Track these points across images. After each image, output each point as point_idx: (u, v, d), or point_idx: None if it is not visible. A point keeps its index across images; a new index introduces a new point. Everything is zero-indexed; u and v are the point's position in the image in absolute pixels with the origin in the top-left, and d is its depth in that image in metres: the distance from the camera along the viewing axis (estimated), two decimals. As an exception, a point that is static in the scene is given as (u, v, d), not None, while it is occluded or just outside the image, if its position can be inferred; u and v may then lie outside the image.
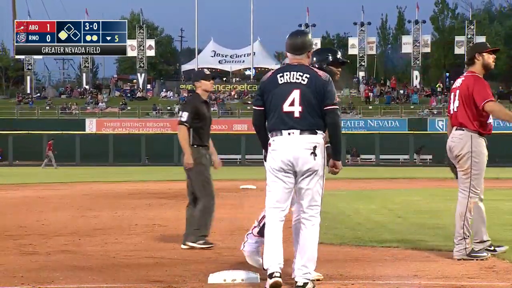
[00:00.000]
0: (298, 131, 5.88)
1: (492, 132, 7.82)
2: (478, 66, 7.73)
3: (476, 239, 7.70)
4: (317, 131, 5.90)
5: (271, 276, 5.82)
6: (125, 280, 6.50)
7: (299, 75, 5.95)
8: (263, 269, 6.07)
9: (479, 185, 7.62)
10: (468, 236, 7.60)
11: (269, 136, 6.04)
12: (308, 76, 5.93)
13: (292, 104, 5.91)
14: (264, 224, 6.28)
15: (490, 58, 7.73)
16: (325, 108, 5.89)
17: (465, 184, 7.64)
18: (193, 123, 8.59)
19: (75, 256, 7.98)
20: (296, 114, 5.90)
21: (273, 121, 5.97)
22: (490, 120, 7.73)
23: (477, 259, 7.48)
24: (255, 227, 6.67)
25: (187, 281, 6.42)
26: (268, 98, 6.01)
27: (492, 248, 7.71)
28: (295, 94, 5.91)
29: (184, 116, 8.56)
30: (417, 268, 6.99)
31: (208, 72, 8.91)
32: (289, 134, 5.90)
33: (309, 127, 5.88)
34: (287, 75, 5.98)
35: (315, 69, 6.02)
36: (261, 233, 6.47)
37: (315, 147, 5.87)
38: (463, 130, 7.64)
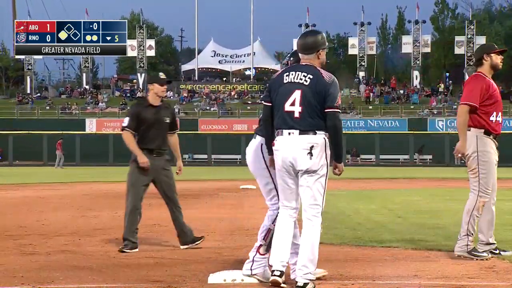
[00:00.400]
0: (298, 131, 5.93)
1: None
2: (486, 67, 7.79)
3: (483, 241, 7.71)
4: (317, 131, 5.92)
5: (272, 273, 6.00)
6: (125, 280, 6.50)
7: (303, 75, 5.98)
8: (269, 266, 6.18)
9: (488, 184, 7.64)
10: (472, 234, 7.61)
11: (275, 135, 6.11)
12: (311, 77, 5.96)
13: (293, 104, 5.96)
14: (271, 241, 6.29)
15: (498, 59, 7.80)
16: (325, 110, 5.91)
17: (474, 184, 7.68)
18: (137, 127, 8.61)
19: (75, 256, 7.99)
20: (296, 114, 5.94)
21: (276, 119, 6.07)
22: (498, 119, 7.72)
23: (477, 259, 7.48)
24: (261, 245, 6.39)
25: (187, 281, 6.42)
26: (274, 96, 6.11)
27: (497, 252, 7.71)
28: (297, 95, 5.95)
29: (125, 121, 8.68)
30: (417, 268, 6.99)
31: (163, 77, 8.89)
32: (289, 134, 5.96)
33: (308, 128, 5.92)
34: (292, 74, 6.04)
35: (321, 70, 6.02)
36: (268, 249, 6.35)
37: (311, 147, 5.90)
38: (469, 130, 7.69)
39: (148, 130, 8.58)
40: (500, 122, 7.77)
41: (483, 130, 7.62)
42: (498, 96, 7.78)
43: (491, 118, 7.65)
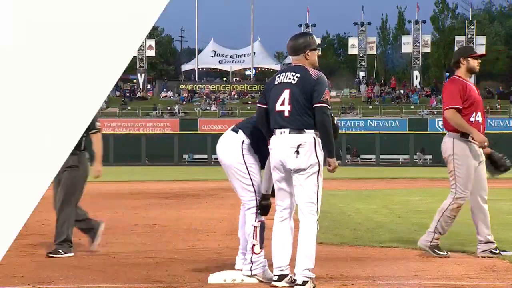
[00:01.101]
0: (288, 130, 6.01)
1: (489, 132, 7.84)
2: (463, 70, 7.91)
3: (482, 240, 7.74)
4: (305, 130, 5.98)
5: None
6: (125, 280, 6.50)
7: (292, 75, 6.09)
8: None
9: (466, 186, 7.74)
10: (440, 233, 7.77)
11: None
12: (298, 75, 6.06)
13: (283, 103, 6.06)
14: (261, 237, 6.32)
15: (475, 63, 7.91)
16: (313, 106, 5.96)
17: (452, 186, 7.84)
18: None
19: (75, 256, 7.99)
20: (286, 114, 6.04)
21: (271, 120, 6.15)
22: (478, 118, 7.75)
23: (435, 256, 7.64)
24: (254, 245, 6.33)
25: (187, 281, 6.42)
26: (267, 98, 6.21)
27: (497, 252, 7.74)
28: (286, 94, 6.05)
29: None
30: (417, 268, 7.00)
31: None
32: (281, 133, 6.05)
33: (298, 126, 5.99)
34: (283, 75, 6.16)
35: (309, 69, 6.10)
36: (261, 246, 6.35)
37: (299, 146, 5.95)
38: (447, 133, 7.81)
39: None
40: (481, 121, 7.78)
41: (459, 133, 7.67)
42: (476, 96, 7.81)
43: (471, 119, 7.70)
